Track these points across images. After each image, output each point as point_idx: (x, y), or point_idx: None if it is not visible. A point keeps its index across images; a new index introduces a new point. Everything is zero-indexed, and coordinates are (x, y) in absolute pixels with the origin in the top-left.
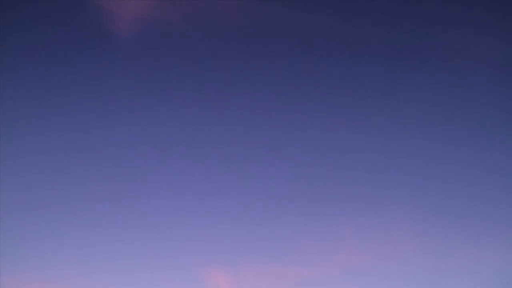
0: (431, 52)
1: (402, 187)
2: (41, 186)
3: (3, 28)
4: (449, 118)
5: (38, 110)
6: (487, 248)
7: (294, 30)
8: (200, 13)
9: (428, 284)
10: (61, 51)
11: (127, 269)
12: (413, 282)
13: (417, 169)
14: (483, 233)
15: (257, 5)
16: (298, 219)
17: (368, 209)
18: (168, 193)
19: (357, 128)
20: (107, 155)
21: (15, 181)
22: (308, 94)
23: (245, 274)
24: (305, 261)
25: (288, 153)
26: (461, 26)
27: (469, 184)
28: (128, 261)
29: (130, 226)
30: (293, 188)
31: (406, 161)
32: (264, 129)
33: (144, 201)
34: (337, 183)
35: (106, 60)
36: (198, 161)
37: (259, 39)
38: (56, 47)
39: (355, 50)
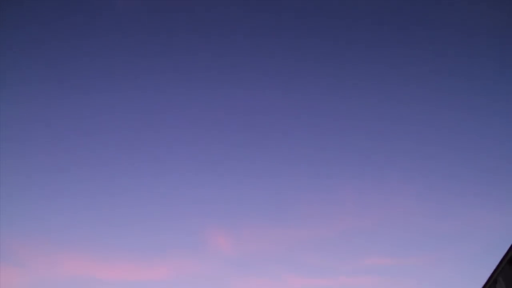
0: (436, 19)
1: (402, 151)
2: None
3: None
4: (452, 85)
5: (39, 73)
6: (486, 209)
7: None
8: None
9: (427, 246)
10: (63, 15)
11: (132, 233)
12: (413, 243)
13: (417, 133)
14: (482, 195)
15: None
16: (298, 183)
17: (368, 172)
18: (172, 156)
19: (361, 93)
20: (111, 116)
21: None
22: (314, 58)
23: (245, 235)
24: (305, 223)
25: (289, 117)
26: None
27: (468, 147)
28: (133, 224)
29: (135, 189)
30: (292, 152)
31: (406, 126)
32: (266, 94)
33: (147, 164)
34: (337, 147)
35: (107, 23)
36: (201, 125)
37: (262, 1)
38: (58, 11)
39: (361, 17)
